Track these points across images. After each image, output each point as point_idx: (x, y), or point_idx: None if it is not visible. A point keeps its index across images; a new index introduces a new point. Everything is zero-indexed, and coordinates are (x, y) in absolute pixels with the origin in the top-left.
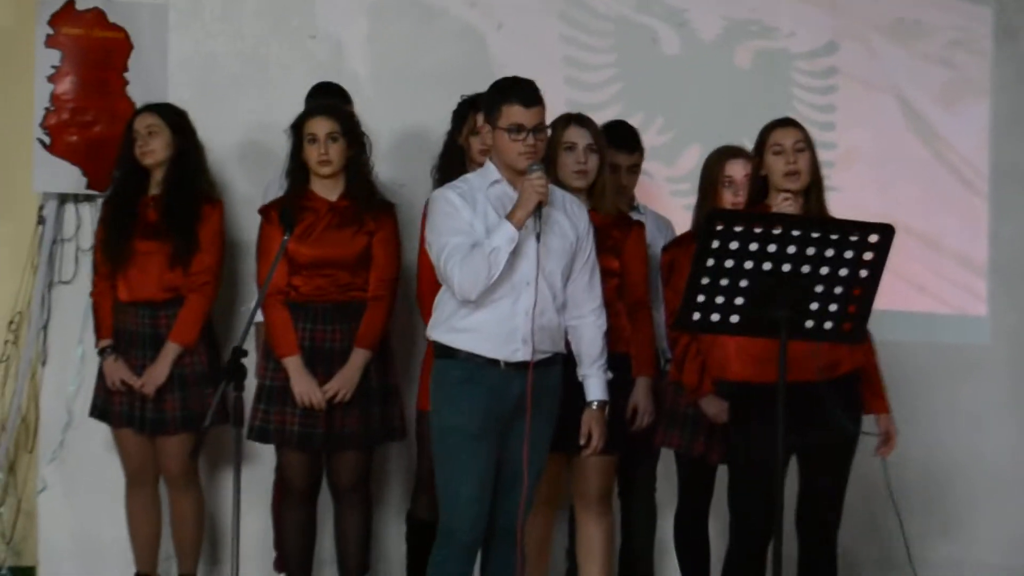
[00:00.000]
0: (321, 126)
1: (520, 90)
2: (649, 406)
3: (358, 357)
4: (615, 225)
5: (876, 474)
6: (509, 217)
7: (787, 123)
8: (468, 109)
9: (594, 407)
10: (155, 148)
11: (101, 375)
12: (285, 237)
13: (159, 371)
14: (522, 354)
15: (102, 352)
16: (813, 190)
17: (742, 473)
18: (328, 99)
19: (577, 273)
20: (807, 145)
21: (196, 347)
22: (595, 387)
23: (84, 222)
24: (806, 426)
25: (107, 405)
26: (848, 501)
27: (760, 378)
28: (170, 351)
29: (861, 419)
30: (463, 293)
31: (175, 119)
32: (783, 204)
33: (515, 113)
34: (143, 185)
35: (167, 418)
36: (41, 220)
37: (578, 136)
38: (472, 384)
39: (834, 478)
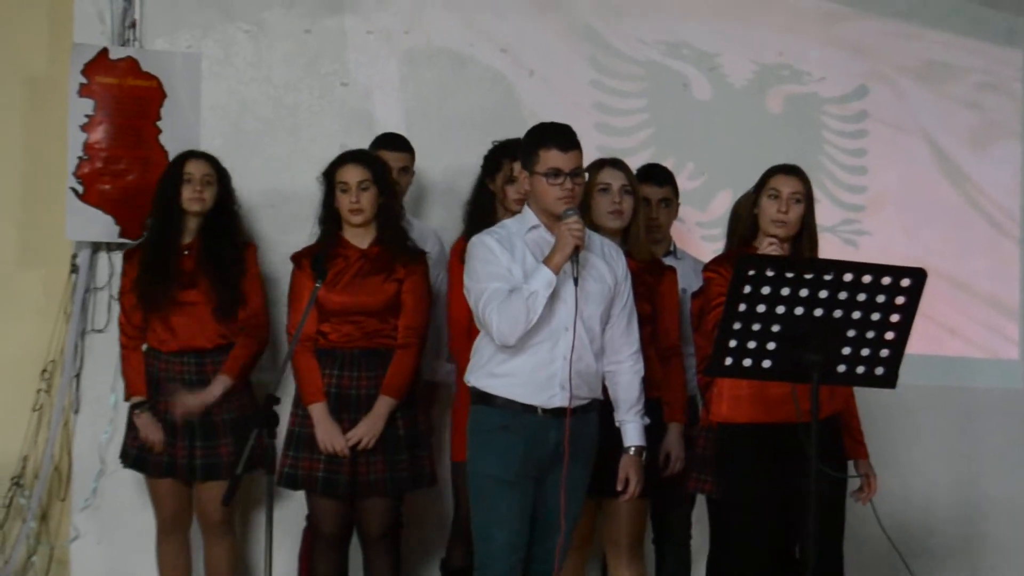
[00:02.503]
0: (352, 174)
1: (557, 135)
2: (681, 452)
3: (383, 405)
4: (648, 271)
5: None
6: (546, 261)
7: (790, 171)
8: (500, 155)
9: (631, 452)
10: (208, 197)
11: (132, 424)
12: (316, 285)
13: (207, 396)
14: (559, 400)
15: (135, 407)
16: (805, 239)
17: (740, 516)
18: (387, 148)
19: (615, 318)
20: (804, 198)
21: (240, 392)
22: (633, 433)
23: (117, 270)
24: (794, 468)
25: (144, 454)
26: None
27: (744, 419)
28: (221, 381)
29: (846, 463)
30: (502, 338)
31: (222, 169)
32: (768, 248)
33: (552, 158)
34: (180, 233)
35: (221, 463)
36: (74, 268)
37: (613, 178)
38: (509, 431)
39: (830, 520)
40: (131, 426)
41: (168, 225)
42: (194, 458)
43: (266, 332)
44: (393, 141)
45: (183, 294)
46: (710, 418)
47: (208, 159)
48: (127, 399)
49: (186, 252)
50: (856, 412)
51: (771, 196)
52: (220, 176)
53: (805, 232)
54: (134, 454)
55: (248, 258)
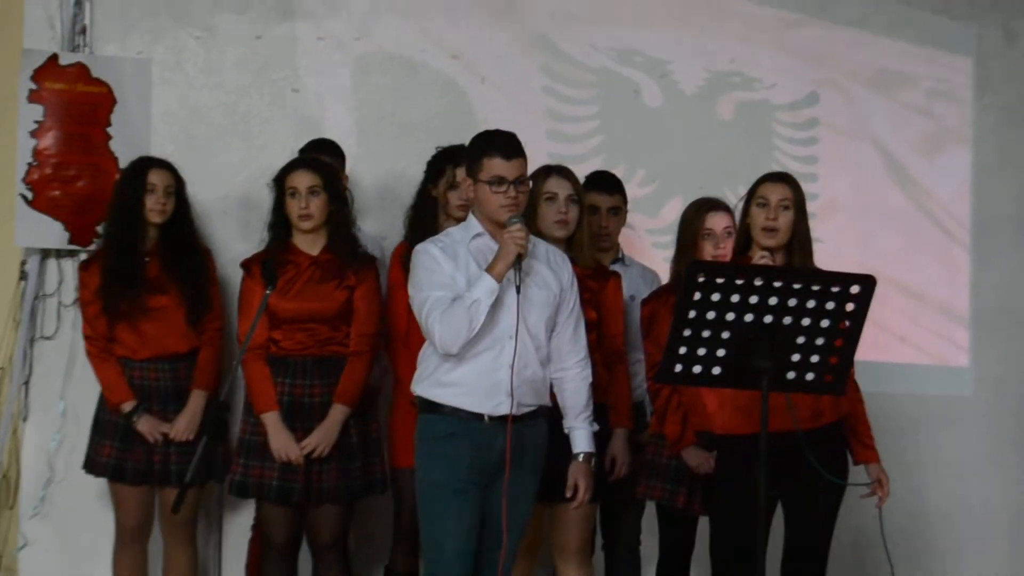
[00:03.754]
0: (302, 180)
1: (501, 142)
2: (626, 457)
3: (337, 412)
4: (592, 277)
5: (864, 524)
6: (489, 269)
7: (778, 178)
8: (443, 161)
9: (580, 459)
10: (169, 208)
11: (103, 433)
12: (267, 292)
13: (193, 418)
14: (506, 407)
15: (130, 414)
16: (796, 249)
17: (725, 525)
18: (318, 153)
19: (561, 325)
20: (793, 204)
21: (215, 396)
22: (581, 439)
23: (66, 277)
24: (790, 477)
25: (122, 463)
26: (836, 552)
27: (744, 429)
28: (200, 397)
29: (847, 470)
30: (444, 346)
31: (179, 177)
32: (760, 261)
33: (496, 166)
34: (141, 241)
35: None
36: (23, 275)
37: (559, 187)
38: (456, 439)
39: (819, 530)
40: (101, 434)
41: (129, 233)
42: (168, 463)
43: (222, 337)
44: (323, 146)
45: (152, 300)
46: (715, 428)
47: (169, 168)
48: (114, 408)
49: (147, 259)
50: (864, 416)
51: (760, 204)
52: (179, 184)
53: (795, 240)
54: (111, 463)
55: (209, 264)
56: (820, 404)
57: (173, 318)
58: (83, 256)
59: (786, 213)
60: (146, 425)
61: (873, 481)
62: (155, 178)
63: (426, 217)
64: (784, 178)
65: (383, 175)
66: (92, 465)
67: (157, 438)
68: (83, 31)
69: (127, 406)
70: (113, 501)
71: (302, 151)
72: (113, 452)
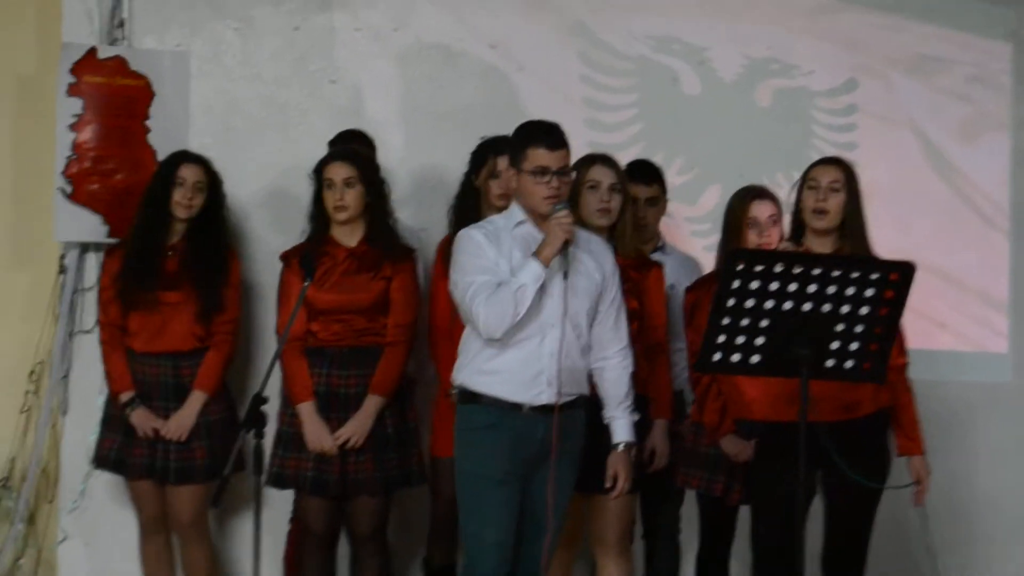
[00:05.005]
0: (338, 171)
1: (545, 133)
2: (666, 448)
3: (371, 403)
4: (634, 266)
5: (906, 510)
6: (536, 254)
7: (829, 161)
8: (486, 151)
9: (620, 449)
10: (196, 204)
11: (112, 426)
12: (305, 284)
13: (186, 418)
14: (546, 397)
15: (126, 404)
16: (849, 232)
17: (766, 513)
18: (350, 144)
19: (603, 314)
20: (844, 186)
21: (218, 396)
22: (622, 429)
23: None
24: (829, 466)
25: (123, 457)
26: (877, 538)
27: (784, 417)
28: (197, 399)
29: (888, 462)
30: (488, 331)
31: (214, 174)
32: (783, 247)
33: (540, 156)
34: (165, 233)
35: (195, 467)
36: (62, 269)
37: (602, 175)
38: (496, 429)
39: (860, 520)
40: (109, 428)
41: (154, 226)
42: (168, 461)
43: (236, 342)
44: (354, 136)
45: (164, 295)
46: (750, 416)
47: (202, 163)
48: (114, 397)
49: (170, 253)
50: (911, 406)
51: (810, 187)
52: (212, 181)
53: (848, 223)
54: (113, 456)
55: (231, 266)
56: (857, 394)
57: (182, 315)
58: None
59: (836, 195)
60: (138, 418)
61: (913, 476)
62: (184, 172)
63: (470, 208)
64: (836, 161)
65: (421, 166)
66: (97, 458)
67: (147, 433)
68: (121, 24)
69: (124, 396)
70: (129, 494)
71: (332, 142)
72: (115, 446)
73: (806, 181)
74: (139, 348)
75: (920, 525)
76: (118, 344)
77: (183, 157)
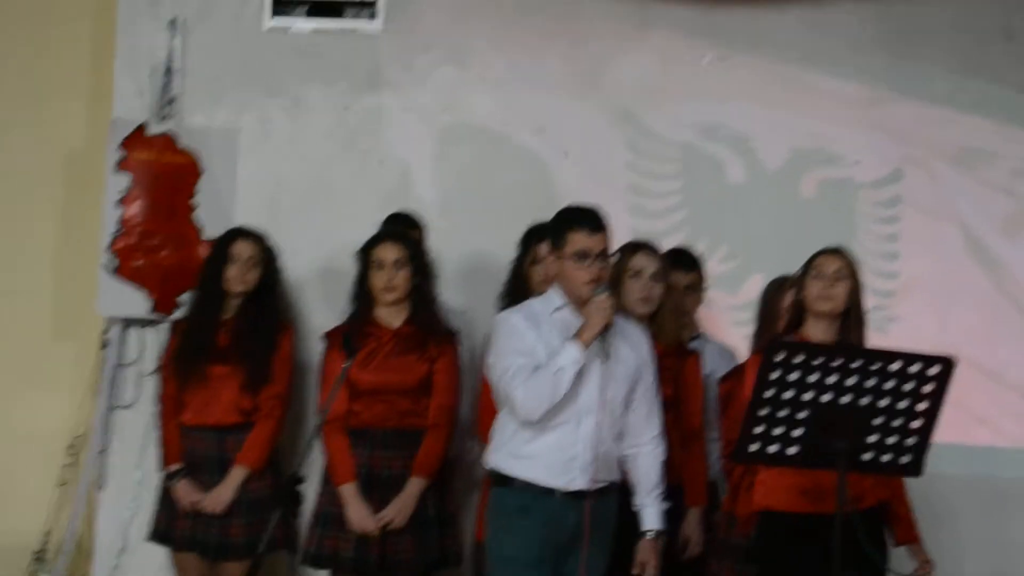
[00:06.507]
0: (388, 253)
1: (585, 217)
2: (700, 537)
3: (414, 485)
4: (671, 354)
5: None
6: (575, 338)
7: (833, 251)
8: (530, 237)
9: (650, 537)
10: (251, 279)
11: (164, 499)
12: (346, 364)
13: (225, 492)
14: (579, 483)
15: (172, 476)
16: (852, 320)
17: None
18: (399, 226)
19: (637, 401)
20: (849, 275)
21: (263, 472)
22: (652, 516)
23: (147, 347)
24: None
25: (170, 529)
26: None
27: (797, 508)
28: (238, 474)
29: (888, 554)
30: (526, 413)
31: (269, 249)
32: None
33: (580, 240)
34: (220, 308)
35: (232, 543)
36: (104, 344)
37: (645, 263)
38: (528, 513)
39: None
40: (162, 502)
41: (209, 301)
42: (209, 535)
43: (284, 416)
44: (404, 219)
45: (213, 368)
46: (752, 504)
47: (256, 240)
48: (165, 468)
49: (223, 328)
50: (905, 498)
51: (815, 276)
52: (266, 256)
53: (852, 311)
54: (162, 529)
55: (282, 339)
56: (860, 487)
57: (228, 387)
58: (166, 323)
59: (842, 283)
60: (180, 491)
61: (920, 561)
62: (238, 248)
63: (517, 294)
64: (838, 251)
65: (465, 248)
66: (153, 531)
67: (187, 506)
68: (171, 101)
69: (172, 468)
70: (175, 568)
71: (384, 223)
72: (163, 518)
73: (809, 270)
74: (188, 421)
75: None
76: (171, 418)
77: (237, 233)
